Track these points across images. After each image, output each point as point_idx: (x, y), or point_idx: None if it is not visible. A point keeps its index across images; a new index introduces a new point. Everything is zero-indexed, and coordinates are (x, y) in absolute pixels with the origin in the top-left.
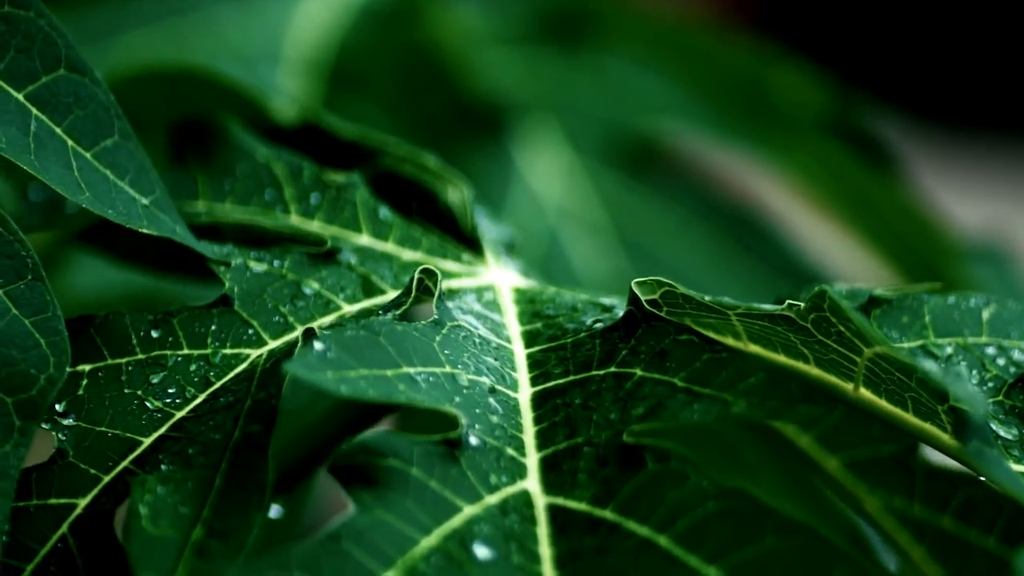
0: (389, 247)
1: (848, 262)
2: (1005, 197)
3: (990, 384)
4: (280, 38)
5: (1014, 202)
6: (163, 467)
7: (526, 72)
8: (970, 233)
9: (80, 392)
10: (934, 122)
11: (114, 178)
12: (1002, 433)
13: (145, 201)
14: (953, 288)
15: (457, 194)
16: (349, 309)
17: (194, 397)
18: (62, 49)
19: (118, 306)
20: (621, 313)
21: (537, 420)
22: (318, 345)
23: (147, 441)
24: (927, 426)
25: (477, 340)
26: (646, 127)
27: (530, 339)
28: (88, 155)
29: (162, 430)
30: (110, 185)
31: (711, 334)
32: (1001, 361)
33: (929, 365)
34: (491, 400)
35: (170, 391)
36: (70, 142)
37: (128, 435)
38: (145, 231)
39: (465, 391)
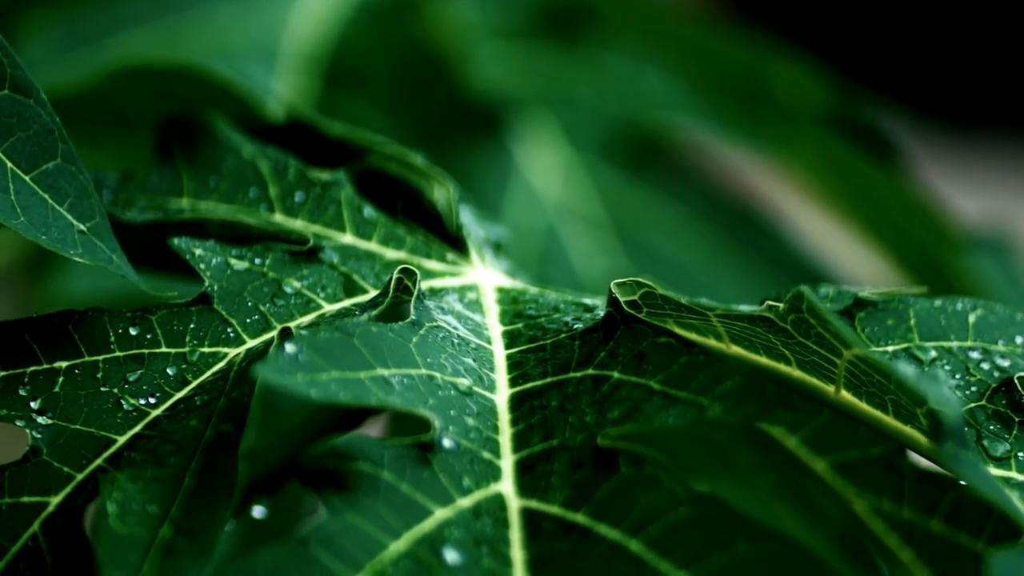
0: (372, 246)
1: (849, 256)
2: (1006, 192)
3: (974, 388)
4: (278, 34)
5: (1016, 196)
6: (135, 465)
7: (524, 67)
8: (972, 225)
9: (56, 389)
10: (935, 117)
11: (52, 202)
12: (989, 449)
13: (83, 227)
14: (955, 280)
15: (442, 193)
16: (329, 308)
17: (170, 396)
18: (7, 69)
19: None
20: (602, 314)
21: (514, 422)
22: (290, 347)
23: (121, 439)
24: (907, 429)
25: (456, 341)
26: (645, 122)
27: (510, 340)
28: (27, 178)
29: (137, 428)
30: (48, 210)
31: (693, 335)
32: (985, 366)
33: (904, 368)
34: (468, 402)
35: (146, 389)
36: (9, 164)
37: (103, 433)
38: (78, 259)
39: (441, 393)
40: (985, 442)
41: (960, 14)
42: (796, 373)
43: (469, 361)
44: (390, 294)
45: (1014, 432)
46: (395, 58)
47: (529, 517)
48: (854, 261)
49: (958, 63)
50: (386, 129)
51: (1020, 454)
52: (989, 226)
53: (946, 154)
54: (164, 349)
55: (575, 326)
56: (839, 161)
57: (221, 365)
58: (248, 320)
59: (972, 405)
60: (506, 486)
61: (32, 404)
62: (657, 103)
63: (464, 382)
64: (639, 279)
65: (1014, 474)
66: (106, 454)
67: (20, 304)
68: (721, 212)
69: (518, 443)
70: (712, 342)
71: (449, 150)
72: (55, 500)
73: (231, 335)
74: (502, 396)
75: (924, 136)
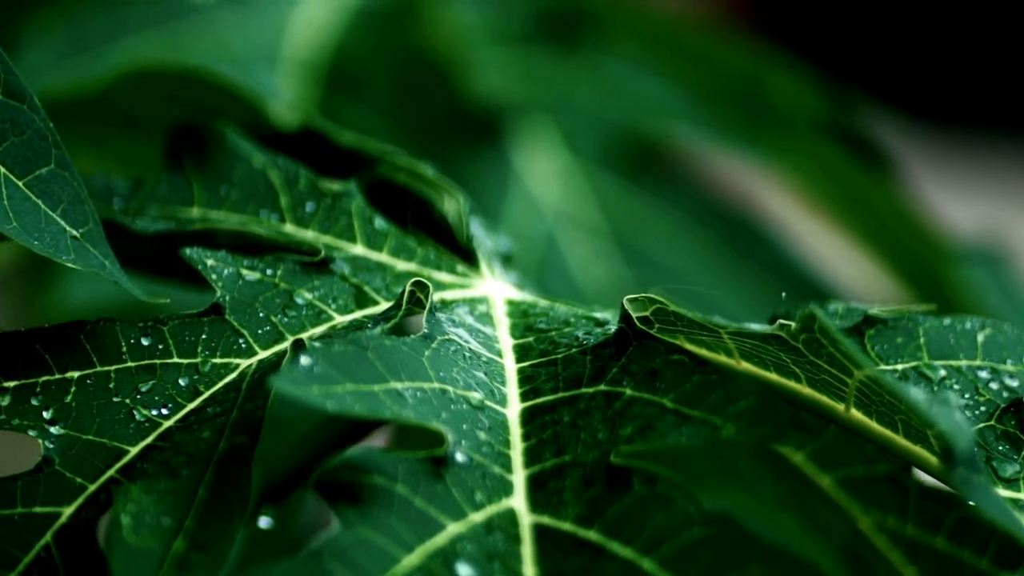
0: (383, 257)
1: (845, 265)
2: (1000, 196)
3: (983, 408)
4: (278, 39)
5: (1009, 202)
6: (147, 477)
7: (523, 73)
8: (966, 234)
9: (68, 399)
10: (929, 121)
11: (46, 208)
12: (999, 470)
13: (75, 233)
14: (949, 291)
15: (453, 204)
16: (341, 320)
17: (182, 407)
18: (1, 74)
19: (111, 315)
20: (613, 329)
21: (525, 437)
22: (304, 359)
23: (134, 450)
24: (917, 449)
25: (467, 354)
26: (644, 129)
27: (521, 353)
28: (20, 183)
29: (149, 439)
30: (40, 215)
31: (704, 351)
32: (994, 385)
33: (916, 393)
34: (479, 416)
35: (158, 400)
36: (3, 169)
37: (115, 444)
38: (71, 265)
39: (453, 407)
40: (994, 463)
41: (952, 18)
42: (806, 391)
43: (481, 375)
44: (403, 307)
45: (1023, 453)
46: (394, 63)
47: (541, 533)
48: (851, 269)
49: (951, 68)
50: (385, 135)
51: None
52: (983, 235)
53: (939, 160)
54: (176, 360)
55: (586, 340)
56: (836, 169)
57: (233, 376)
58: (260, 331)
59: (981, 425)
60: (518, 501)
61: (44, 414)
62: (655, 110)
63: (476, 396)
64: (651, 295)
65: (1023, 495)
66: (119, 465)
67: (17, 311)
68: (719, 219)
69: (530, 458)
70: (722, 358)
71: (448, 156)
72: (68, 511)
73: (243, 346)
74: (514, 410)
75: (917, 141)
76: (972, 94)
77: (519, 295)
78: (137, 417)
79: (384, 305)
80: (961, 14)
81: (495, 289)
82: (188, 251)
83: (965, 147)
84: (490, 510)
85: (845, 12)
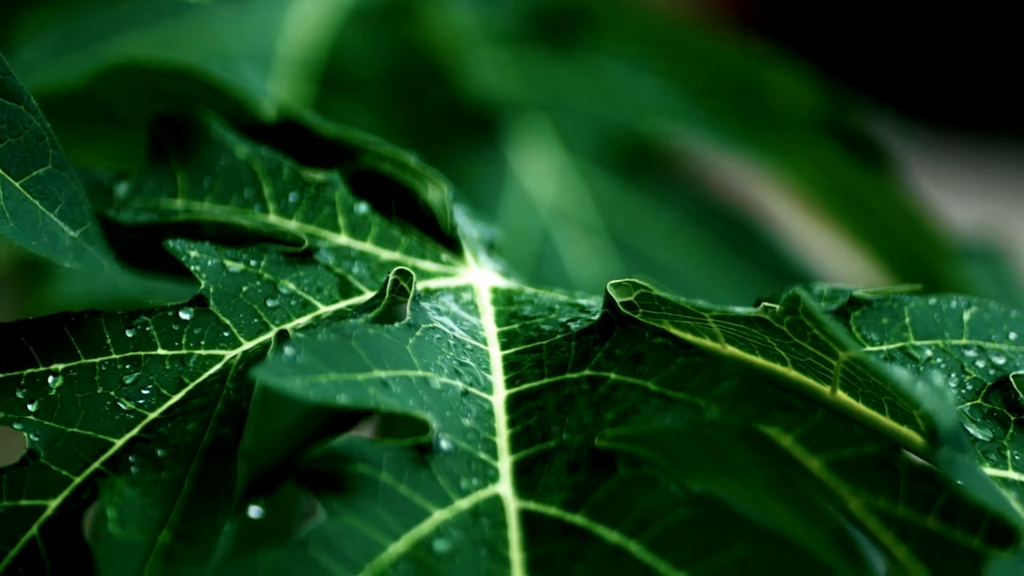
0: (367, 247)
1: (842, 264)
2: (998, 196)
3: (969, 387)
4: (273, 38)
5: (1008, 201)
6: (133, 469)
7: (519, 72)
8: (964, 233)
9: (53, 392)
10: (927, 121)
11: (43, 208)
12: (977, 436)
13: (74, 233)
14: (948, 289)
15: (437, 193)
16: (325, 310)
17: (167, 398)
18: None
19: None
20: (598, 314)
21: (511, 423)
22: (288, 350)
23: (119, 443)
24: (904, 429)
25: (452, 342)
26: (640, 128)
27: (507, 341)
28: (17, 184)
29: (134, 431)
30: (38, 216)
31: (689, 336)
32: (981, 364)
33: (900, 374)
34: (465, 403)
35: (143, 392)
36: None
37: (100, 436)
38: (68, 265)
39: (438, 394)
40: None
41: (951, 18)
42: (792, 373)
43: (466, 362)
44: (386, 296)
45: (1010, 431)
46: (390, 62)
47: (527, 518)
48: (847, 268)
49: (950, 68)
50: (381, 133)
51: (1016, 454)
52: (981, 234)
53: (938, 159)
54: (160, 351)
55: (571, 327)
56: (832, 168)
57: (218, 368)
58: (244, 322)
59: (968, 404)
60: (504, 487)
61: (29, 407)
62: (652, 108)
63: (461, 384)
64: (635, 280)
65: (1011, 473)
66: (104, 457)
67: (15, 307)
68: (715, 218)
69: (515, 444)
70: (708, 342)
71: (444, 154)
72: (53, 504)
73: (227, 337)
74: (499, 397)
75: (916, 141)
76: (971, 95)
77: (504, 282)
78: (122, 409)
79: (368, 294)
80: (960, 15)
81: (479, 277)
82: (171, 243)
83: (964, 147)
84: (476, 496)
85: (845, 12)
